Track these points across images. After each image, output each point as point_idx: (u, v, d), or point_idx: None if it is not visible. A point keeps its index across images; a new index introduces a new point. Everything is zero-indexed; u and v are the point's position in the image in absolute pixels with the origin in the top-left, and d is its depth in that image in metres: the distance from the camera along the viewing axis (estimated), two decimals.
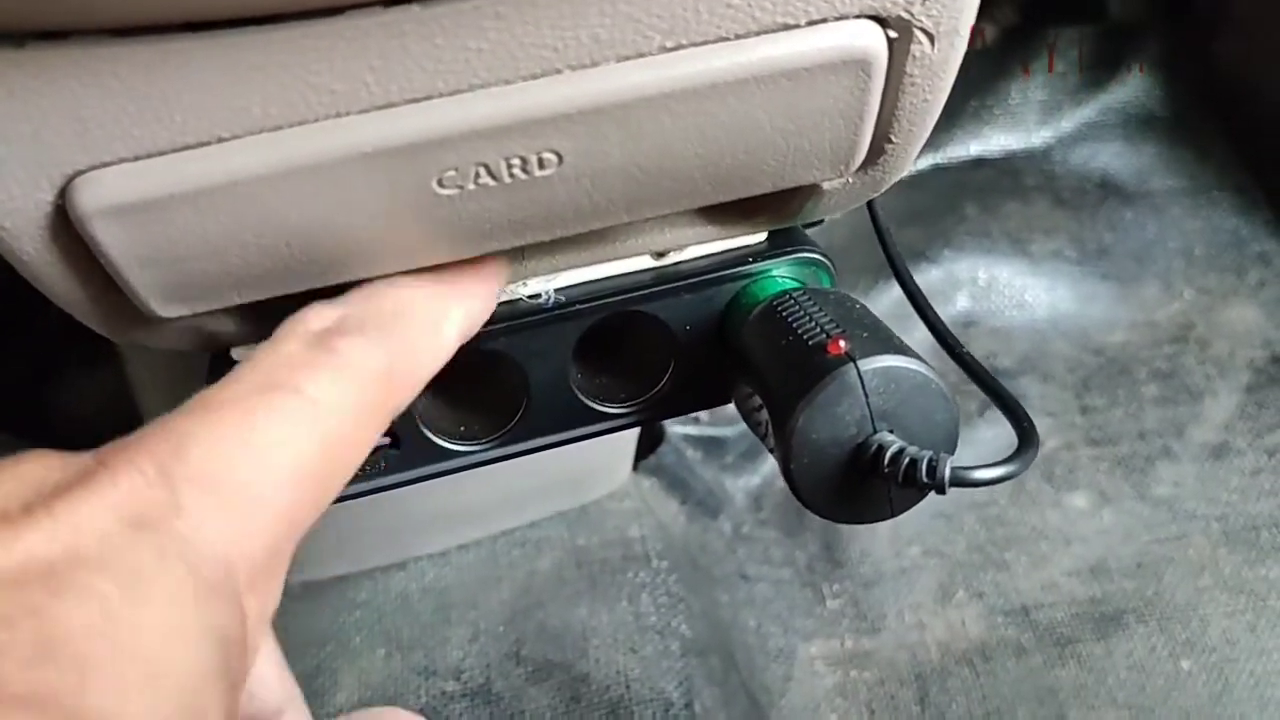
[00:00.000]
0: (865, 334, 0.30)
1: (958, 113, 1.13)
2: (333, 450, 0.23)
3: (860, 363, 0.29)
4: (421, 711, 0.71)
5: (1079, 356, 1.01)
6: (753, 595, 0.84)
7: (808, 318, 0.32)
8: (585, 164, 0.27)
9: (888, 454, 0.28)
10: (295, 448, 0.22)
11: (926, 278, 1.03)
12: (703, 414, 0.93)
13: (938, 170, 1.12)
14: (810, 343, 0.30)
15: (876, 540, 0.88)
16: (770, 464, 0.90)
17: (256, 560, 0.21)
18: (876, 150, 0.30)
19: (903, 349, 0.30)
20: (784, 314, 0.33)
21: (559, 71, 0.25)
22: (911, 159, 0.31)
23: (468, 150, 0.25)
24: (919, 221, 1.07)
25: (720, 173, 0.28)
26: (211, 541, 0.20)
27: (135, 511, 0.19)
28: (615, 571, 0.79)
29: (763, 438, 0.33)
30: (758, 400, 0.33)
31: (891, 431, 0.29)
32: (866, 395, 0.29)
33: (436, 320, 0.28)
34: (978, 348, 1.01)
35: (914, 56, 0.27)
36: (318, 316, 0.26)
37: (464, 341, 0.29)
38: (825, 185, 0.31)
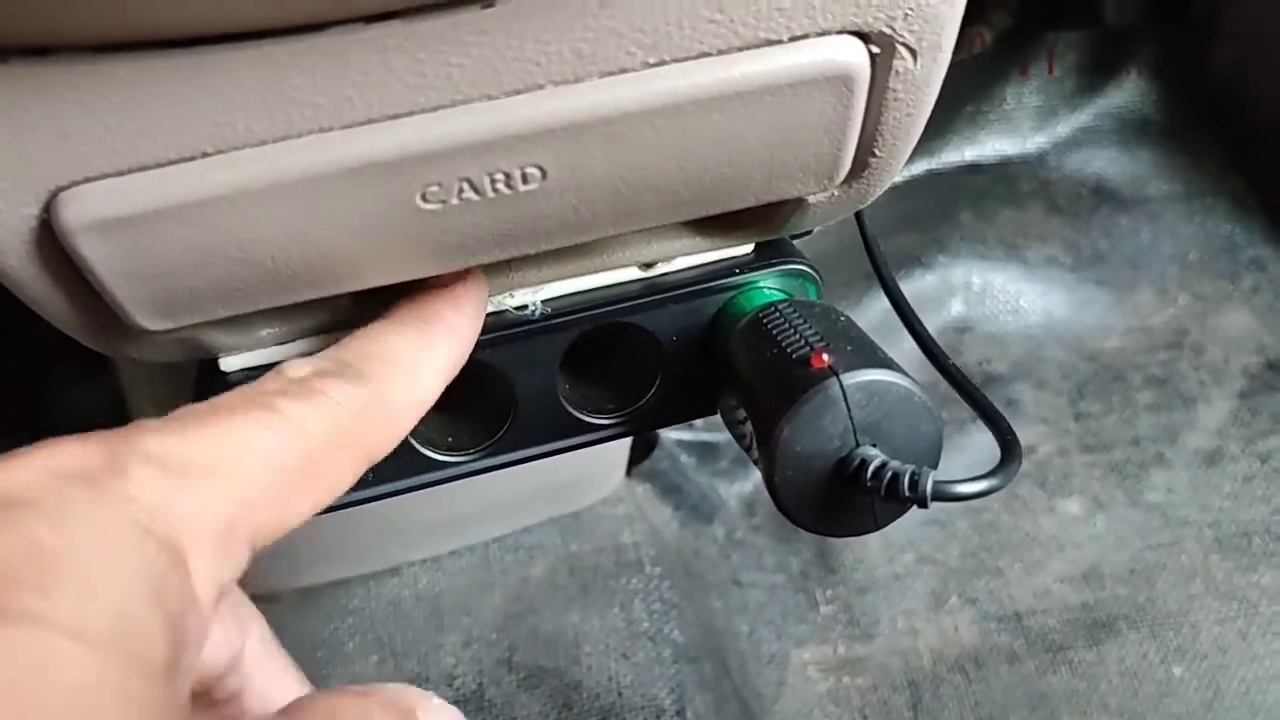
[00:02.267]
0: (849, 348, 0.30)
1: (952, 118, 1.13)
2: (307, 462, 0.24)
3: (844, 376, 0.29)
4: None
5: (1073, 362, 1.01)
6: (746, 601, 0.84)
7: (793, 330, 0.32)
8: (569, 179, 0.27)
9: (870, 468, 0.28)
10: (267, 446, 0.23)
11: (920, 283, 1.03)
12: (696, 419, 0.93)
13: (932, 176, 1.12)
14: (794, 356, 0.30)
15: (869, 547, 0.88)
16: None
17: (207, 527, 0.22)
18: (860, 164, 0.30)
19: (887, 363, 0.30)
20: (769, 326, 0.33)
21: (542, 87, 0.25)
22: (896, 172, 0.31)
23: (451, 165, 0.25)
24: (913, 227, 1.07)
25: (704, 187, 0.29)
26: (153, 500, 0.21)
27: (71, 468, 0.20)
28: (608, 578, 0.79)
29: (747, 450, 0.33)
30: (742, 413, 0.33)
31: (875, 445, 0.29)
32: (849, 409, 0.29)
33: (415, 366, 0.29)
34: (971, 354, 1.01)
35: (897, 72, 0.27)
36: (295, 367, 0.27)
37: (446, 383, 0.30)
38: (810, 198, 0.32)
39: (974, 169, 1.13)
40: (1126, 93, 1.16)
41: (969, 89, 1.14)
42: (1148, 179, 1.13)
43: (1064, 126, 1.16)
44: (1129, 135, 1.15)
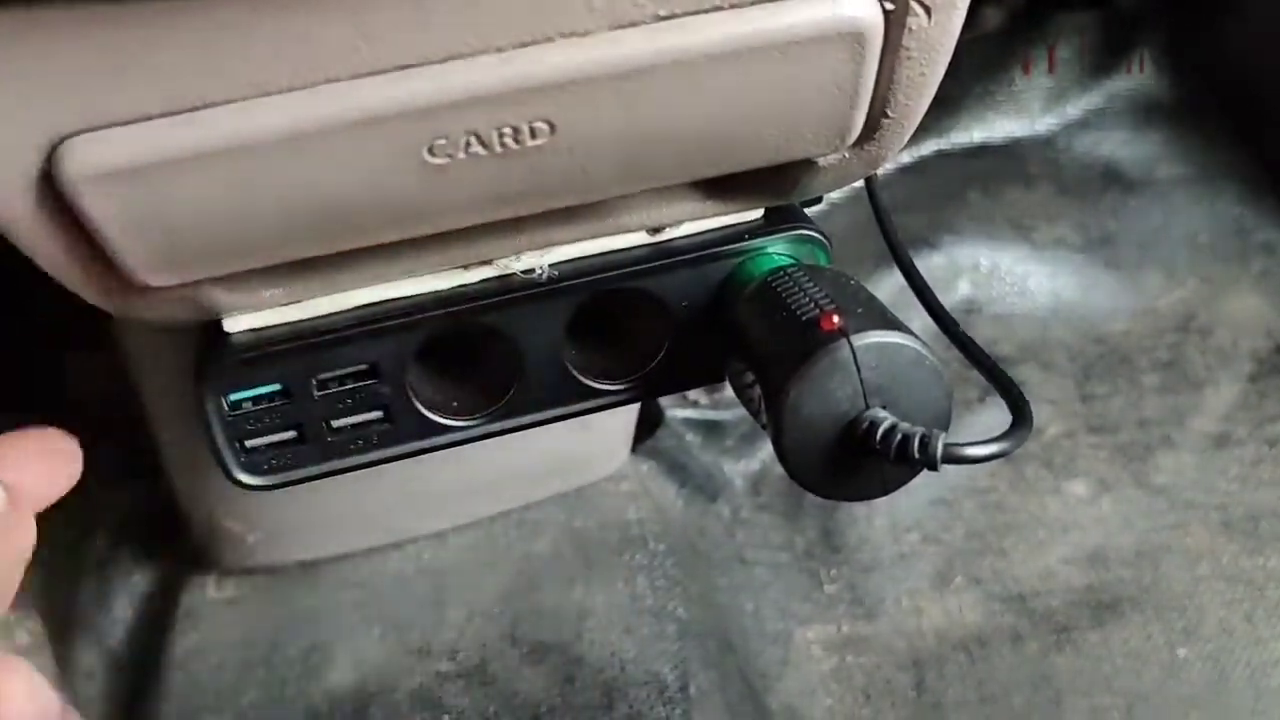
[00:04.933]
0: (859, 310, 0.30)
1: (962, 98, 1.13)
2: None
3: (854, 338, 0.28)
4: (416, 693, 0.71)
5: (1080, 344, 1.00)
6: (750, 579, 0.84)
7: (802, 293, 0.31)
8: (577, 134, 0.26)
9: (879, 430, 0.28)
10: None
11: (928, 264, 1.02)
12: (702, 397, 0.93)
13: (941, 156, 1.12)
14: (804, 318, 0.30)
15: (874, 526, 0.87)
16: (770, 448, 0.90)
17: None
18: (872, 125, 0.30)
19: (897, 325, 0.30)
20: (779, 290, 0.32)
21: (551, 39, 0.25)
22: (907, 135, 0.31)
23: (458, 118, 0.25)
24: (921, 207, 1.06)
25: (714, 145, 0.28)
26: None
27: None
28: (612, 554, 0.79)
29: (756, 414, 0.32)
30: (751, 376, 0.32)
31: (884, 408, 0.29)
32: (859, 370, 0.28)
33: None
34: (979, 335, 1.00)
35: (910, 30, 0.27)
36: None
37: None
38: (821, 160, 0.31)
39: (983, 150, 1.12)
40: (1136, 75, 1.15)
41: (978, 70, 1.13)
42: (1157, 161, 1.12)
43: (1073, 108, 1.15)
44: (1139, 117, 1.14)
